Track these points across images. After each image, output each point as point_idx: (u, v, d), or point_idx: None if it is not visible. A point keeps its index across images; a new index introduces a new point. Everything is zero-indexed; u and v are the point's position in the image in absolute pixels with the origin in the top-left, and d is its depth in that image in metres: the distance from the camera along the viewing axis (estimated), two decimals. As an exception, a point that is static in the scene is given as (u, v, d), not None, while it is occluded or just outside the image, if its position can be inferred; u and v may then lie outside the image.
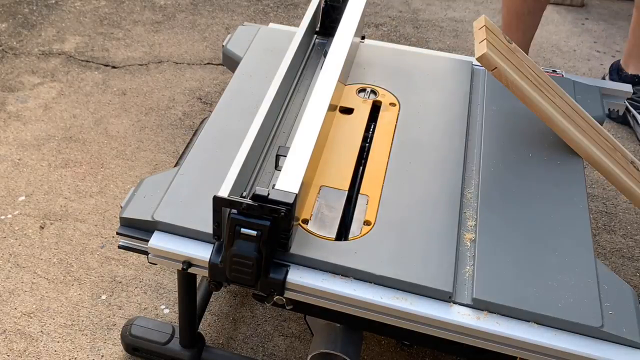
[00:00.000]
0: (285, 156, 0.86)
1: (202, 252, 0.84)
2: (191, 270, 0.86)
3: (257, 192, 0.77)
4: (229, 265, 0.80)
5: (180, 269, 0.85)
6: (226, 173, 0.93)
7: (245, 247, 0.78)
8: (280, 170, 0.85)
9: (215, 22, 2.01)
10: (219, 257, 0.82)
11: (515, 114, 1.09)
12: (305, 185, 0.84)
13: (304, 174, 0.82)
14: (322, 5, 1.21)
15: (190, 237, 0.86)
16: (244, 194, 0.80)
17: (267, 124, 0.96)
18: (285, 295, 0.84)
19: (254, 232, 0.77)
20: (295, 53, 1.08)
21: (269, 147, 0.98)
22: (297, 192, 0.78)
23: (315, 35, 1.24)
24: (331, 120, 1.01)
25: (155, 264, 0.98)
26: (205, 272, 0.85)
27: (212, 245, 0.85)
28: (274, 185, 0.80)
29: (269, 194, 0.77)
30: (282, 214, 0.76)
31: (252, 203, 0.77)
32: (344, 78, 1.10)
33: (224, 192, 0.80)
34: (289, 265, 0.83)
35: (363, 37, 1.26)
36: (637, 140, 1.67)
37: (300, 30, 1.14)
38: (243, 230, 0.77)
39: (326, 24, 1.22)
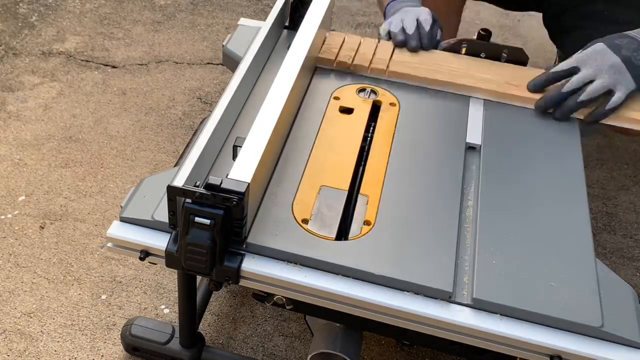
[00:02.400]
0: (242, 147, 0.88)
1: (159, 242, 0.85)
2: (149, 259, 0.87)
3: (210, 181, 0.78)
4: (184, 254, 0.82)
5: (138, 257, 0.86)
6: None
7: (199, 236, 0.79)
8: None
9: (215, 22, 2.01)
10: (175, 245, 0.84)
11: (515, 113, 1.09)
12: (261, 175, 0.86)
13: (258, 163, 0.83)
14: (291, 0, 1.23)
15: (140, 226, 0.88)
16: (198, 183, 0.80)
17: (227, 116, 0.98)
18: (241, 284, 0.85)
19: (207, 221, 0.78)
20: (260, 47, 1.10)
21: (229, 139, 1.00)
22: (249, 181, 0.80)
23: (286, 30, 1.26)
24: (290, 111, 1.01)
25: (114, 256, 0.99)
26: (162, 261, 0.86)
27: (156, 230, 0.86)
28: (227, 174, 0.81)
29: (221, 182, 0.78)
30: (234, 202, 0.78)
31: (204, 192, 0.78)
32: (308, 69, 1.11)
33: (178, 181, 0.82)
34: (244, 254, 0.84)
35: (333, 29, 1.27)
36: (635, 140, 1.67)
37: (266, 25, 1.16)
38: (197, 219, 0.79)
39: (295, 18, 1.24)
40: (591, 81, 1.02)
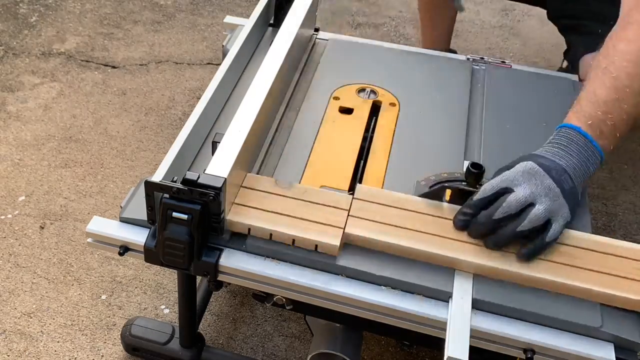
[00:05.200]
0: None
1: (138, 237, 0.86)
2: (128, 254, 0.87)
3: (187, 177, 0.78)
4: (162, 249, 0.82)
5: (118, 253, 0.87)
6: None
7: (177, 231, 0.80)
8: None
9: (215, 22, 2.01)
10: (154, 241, 0.84)
11: (515, 113, 1.09)
12: (239, 171, 0.86)
13: (235, 159, 0.83)
14: None
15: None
16: (176, 178, 0.81)
17: (208, 112, 0.99)
18: (219, 279, 0.86)
19: (185, 216, 0.79)
20: (243, 44, 1.11)
21: (210, 135, 1.01)
22: (226, 176, 0.80)
23: (271, 28, 1.26)
24: (269, 107, 1.01)
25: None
26: (141, 256, 0.86)
27: (136, 226, 0.87)
28: (204, 170, 0.82)
29: (198, 177, 0.79)
30: (211, 197, 0.78)
31: (181, 187, 0.78)
32: (291, 67, 1.11)
33: (157, 177, 0.83)
34: (222, 249, 0.84)
35: (317, 30, 1.28)
36: (635, 140, 1.67)
37: (249, 22, 1.16)
38: (174, 214, 0.79)
39: (279, 16, 1.24)
40: (530, 204, 0.81)
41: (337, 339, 0.96)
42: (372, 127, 1.05)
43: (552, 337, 0.79)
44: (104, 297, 1.23)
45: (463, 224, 0.85)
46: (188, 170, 0.92)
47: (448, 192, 0.89)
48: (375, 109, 1.09)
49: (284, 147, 1.00)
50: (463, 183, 0.89)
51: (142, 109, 1.66)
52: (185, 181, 0.79)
